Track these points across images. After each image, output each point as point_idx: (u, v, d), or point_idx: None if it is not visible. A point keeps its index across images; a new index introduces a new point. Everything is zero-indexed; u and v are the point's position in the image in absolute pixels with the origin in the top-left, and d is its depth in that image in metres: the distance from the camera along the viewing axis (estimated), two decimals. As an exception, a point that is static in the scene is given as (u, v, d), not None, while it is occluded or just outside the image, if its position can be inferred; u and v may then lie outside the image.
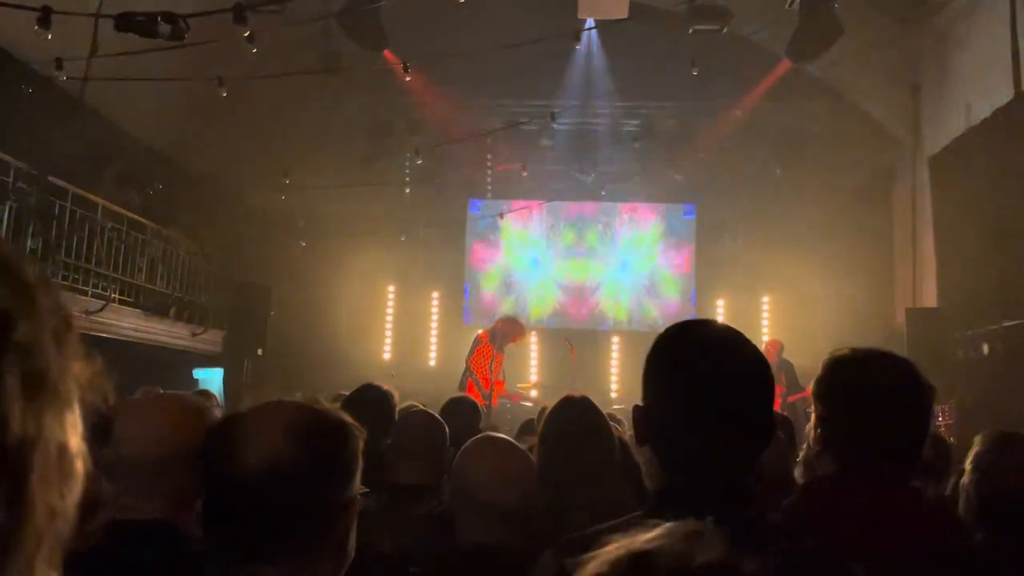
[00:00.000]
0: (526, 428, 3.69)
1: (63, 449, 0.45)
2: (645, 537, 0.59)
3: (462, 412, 3.42)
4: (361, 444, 1.18)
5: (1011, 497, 1.74)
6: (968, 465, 1.83)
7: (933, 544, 1.41)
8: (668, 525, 0.61)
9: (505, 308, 12.22)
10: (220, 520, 1.10)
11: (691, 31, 7.93)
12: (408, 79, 8.31)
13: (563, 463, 2.05)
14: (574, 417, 2.17)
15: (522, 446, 1.85)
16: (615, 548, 0.59)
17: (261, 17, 6.98)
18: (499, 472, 1.68)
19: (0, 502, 0.41)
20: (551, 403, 2.35)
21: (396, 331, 12.64)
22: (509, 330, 9.18)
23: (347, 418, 1.18)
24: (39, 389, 0.44)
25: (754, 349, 1.26)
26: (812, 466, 1.59)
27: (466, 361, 8.60)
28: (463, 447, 1.77)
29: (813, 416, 1.58)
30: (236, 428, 1.12)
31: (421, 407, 2.80)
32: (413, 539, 1.89)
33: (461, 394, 4.55)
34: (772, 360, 8.93)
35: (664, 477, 1.19)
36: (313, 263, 11.46)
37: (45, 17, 5.50)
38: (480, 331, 9.58)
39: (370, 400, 2.91)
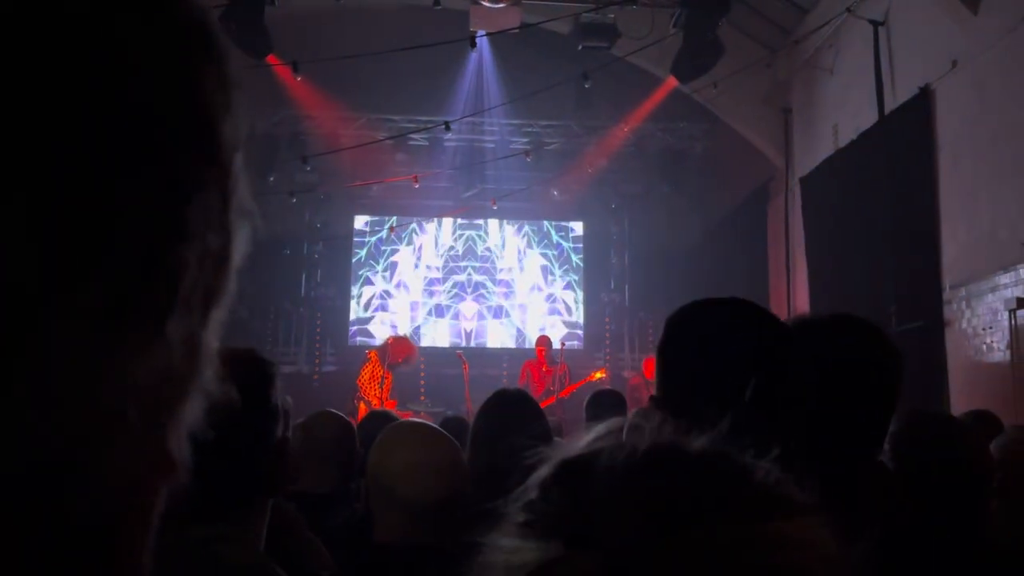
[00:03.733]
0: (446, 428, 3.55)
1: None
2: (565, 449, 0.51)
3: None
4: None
5: (924, 473, 1.77)
6: (885, 445, 1.84)
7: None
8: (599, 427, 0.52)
9: (392, 326, 12.01)
10: None
11: (580, 47, 8.08)
12: (297, 79, 8.05)
13: (498, 458, 1.92)
14: (510, 410, 2.06)
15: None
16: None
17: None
18: (421, 462, 1.51)
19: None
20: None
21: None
22: (398, 349, 9.02)
23: (261, 352, 1.07)
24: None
25: (782, 325, 1.20)
26: None
27: (357, 382, 8.41)
28: (379, 435, 1.60)
29: None
30: None
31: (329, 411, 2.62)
32: (330, 553, 1.72)
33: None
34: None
35: None
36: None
37: None
38: (369, 350, 9.39)
39: None
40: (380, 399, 8.41)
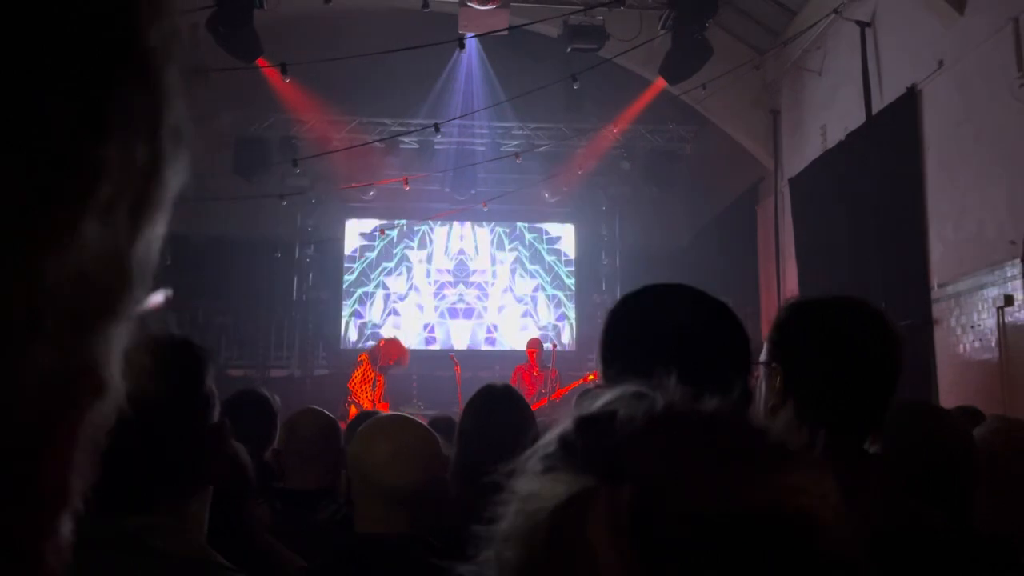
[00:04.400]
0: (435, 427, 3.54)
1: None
2: (580, 408, 0.54)
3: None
4: (213, 369, 1.07)
5: (911, 462, 1.78)
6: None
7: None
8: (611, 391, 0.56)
9: (385, 330, 12.00)
10: None
11: (569, 49, 8.12)
12: (286, 81, 8.06)
13: (485, 453, 1.93)
14: (498, 406, 2.07)
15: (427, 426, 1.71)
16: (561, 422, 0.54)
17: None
18: (399, 449, 1.52)
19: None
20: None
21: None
22: (388, 351, 8.99)
23: (192, 339, 1.06)
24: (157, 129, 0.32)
25: (715, 301, 1.22)
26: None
27: (348, 385, 8.41)
28: (358, 429, 1.62)
29: (766, 371, 1.44)
30: None
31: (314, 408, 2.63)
32: (316, 549, 1.73)
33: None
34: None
35: None
36: (181, 281, 10.86)
37: None
38: (360, 353, 9.38)
39: (248, 405, 2.72)
40: (372, 401, 8.39)
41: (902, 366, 1.41)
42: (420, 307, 12.51)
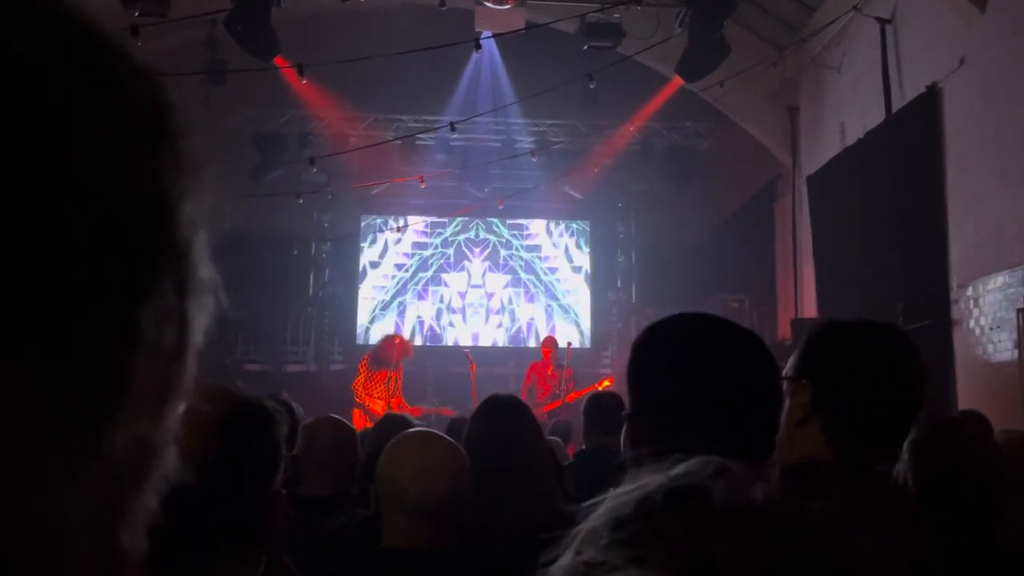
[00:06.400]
0: (452, 430, 3.55)
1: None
2: (665, 476, 0.50)
3: None
4: (284, 431, 1.08)
5: (942, 479, 1.78)
6: (904, 453, 1.85)
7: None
8: (680, 464, 0.51)
9: (399, 326, 12.05)
10: None
11: (585, 47, 8.10)
12: (302, 82, 8.10)
13: (492, 460, 1.95)
14: (502, 414, 2.09)
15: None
16: (629, 490, 0.50)
17: (143, 22, 6.66)
18: (427, 466, 1.55)
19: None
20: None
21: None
22: (386, 347, 8.89)
23: (268, 403, 1.08)
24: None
25: (748, 334, 1.23)
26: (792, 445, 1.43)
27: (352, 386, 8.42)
28: (387, 444, 1.65)
29: (791, 385, 1.44)
30: None
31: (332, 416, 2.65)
32: (329, 555, 1.75)
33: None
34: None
35: None
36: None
37: None
38: (364, 355, 9.27)
39: None
40: (387, 400, 8.37)
41: (923, 389, 1.43)
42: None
